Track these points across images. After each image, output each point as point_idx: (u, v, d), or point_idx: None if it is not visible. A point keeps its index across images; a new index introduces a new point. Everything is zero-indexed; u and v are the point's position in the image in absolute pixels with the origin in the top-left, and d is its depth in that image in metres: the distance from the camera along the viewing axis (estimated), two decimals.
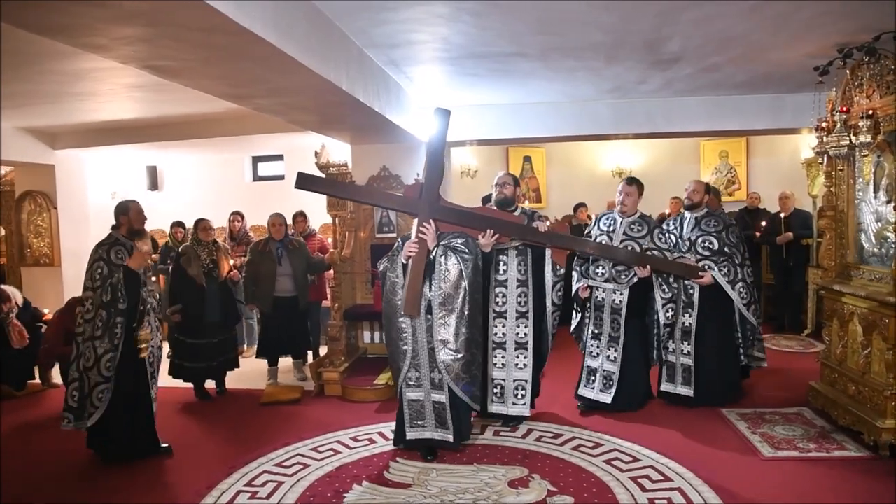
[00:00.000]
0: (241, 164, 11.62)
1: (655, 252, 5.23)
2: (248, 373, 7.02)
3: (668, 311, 5.29)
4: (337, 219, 6.90)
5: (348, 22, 4.44)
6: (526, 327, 5.04)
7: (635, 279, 5.20)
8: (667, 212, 10.05)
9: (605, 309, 5.37)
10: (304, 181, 4.43)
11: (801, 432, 4.89)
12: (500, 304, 5.07)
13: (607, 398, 5.37)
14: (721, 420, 5.21)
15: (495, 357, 5.10)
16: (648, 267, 5.13)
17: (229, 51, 3.45)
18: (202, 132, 8.42)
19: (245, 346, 7.97)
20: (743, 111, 7.43)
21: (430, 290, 4.39)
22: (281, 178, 11.40)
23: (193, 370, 6.27)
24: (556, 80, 6.35)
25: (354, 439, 5.03)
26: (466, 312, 4.36)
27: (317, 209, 9.02)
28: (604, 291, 5.35)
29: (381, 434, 5.11)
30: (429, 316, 4.42)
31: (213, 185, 11.44)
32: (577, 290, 5.40)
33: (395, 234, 6.94)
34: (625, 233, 5.33)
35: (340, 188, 4.60)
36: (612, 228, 5.41)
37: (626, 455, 4.57)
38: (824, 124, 4.96)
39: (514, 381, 5.08)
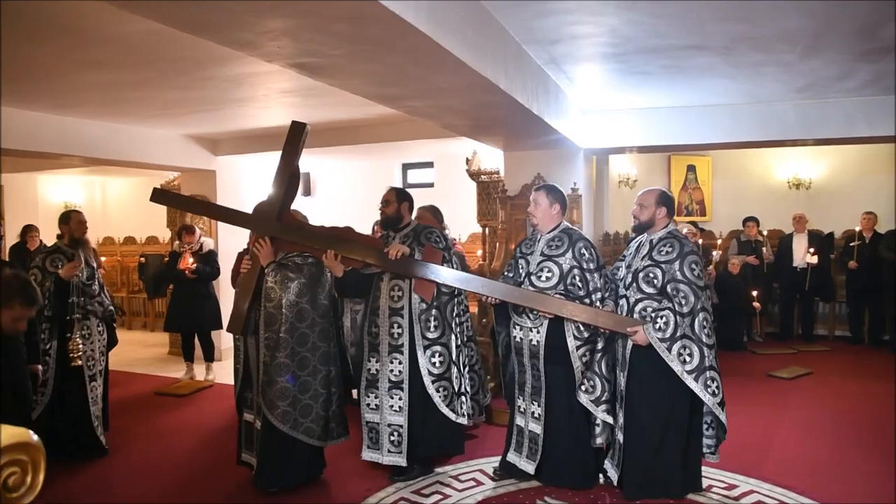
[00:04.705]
0: (392, 171, 11.61)
1: (577, 274, 4.04)
2: None
3: (584, 357, 4.04)
4: (487, 229, 6.56)
5: (508, 14, 4.06)
6: (400, 364, 4.34)
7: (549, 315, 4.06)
8: (857, 229, 8.86)
9: (523, 352, 4.21)
10: (158, 197, 4.47)
11: None
12: (374, 335, 4.41)
13: (531, 467, 4.25)
14: None
15: (368, 396, 4.44)
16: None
17: (379, 43, 3.16)
18: (353, 138, 8.41)
19: None
20: None
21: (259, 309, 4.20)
22: (430, 185, 11.27)
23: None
24: (736, 77, 5.62)
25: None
26: (281, 335, 4.08)
27: (467, 218, 8.77)
28: (520, 329, 4.20)
29: None
30: (258, 336, 4.21)
31: (364, 191, 11.47)
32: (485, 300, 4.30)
33: None
34: (542, 252, 4.21)
35: (192, 205, 4.67)
36: (530, 250, 4.29)
37: None
38: None
39: (389, 425, 4.39)
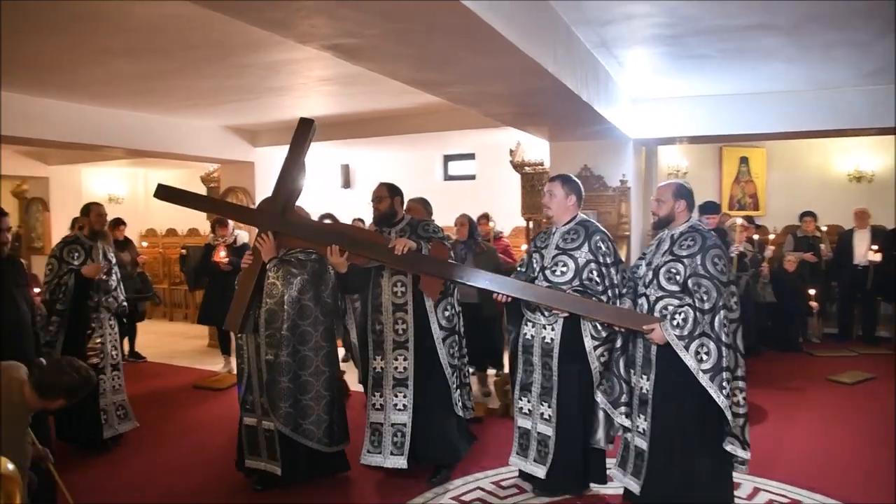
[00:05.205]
0: (433, 162, 11.43)
1: (593, 268, 3.82)
2: None
3: (602, 357, 3.82)
4: (531, 222, 6.31)
5: None
6: (405, 360, 4.22)
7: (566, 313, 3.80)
8: None
9: (534, 350, 3.97)
10: (163, 193, 4.40)
11: None
12: (378, 332, 4.28)
13: (541, 471, 3.98)
14: None
15: (374, 396, 4.32)
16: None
17: (418, 20, 2.93)
18: (393, 129, 8.23)
19: None
20: None
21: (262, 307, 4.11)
22: (472, 177, 11.06)
23: None
24: (802, 61, 5.25)
25: None
26: (283, 332, 4.00)
27: (510, 211, 8.52)
28: (532, 325, 3.98)
29: None
30: (257, 335, 4.12)
31: (404, 183, 11.14)
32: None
33: None
34: (557, 246, 3.96)
35: (197, 201, 4.57)
36: (545, 244, 4.05)
37: None
38: None
39: (392, 424, 4.25)
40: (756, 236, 8.12)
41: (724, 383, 3.43)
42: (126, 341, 8.14)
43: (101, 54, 4.94)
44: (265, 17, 2.87)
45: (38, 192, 11.42)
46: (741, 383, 3.56)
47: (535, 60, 3.70)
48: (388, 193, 4.41)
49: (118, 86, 6.01)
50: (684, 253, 3.56)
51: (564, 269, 3.86)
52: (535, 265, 4.02)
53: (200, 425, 5.71)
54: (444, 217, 9.32)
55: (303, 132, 4.17)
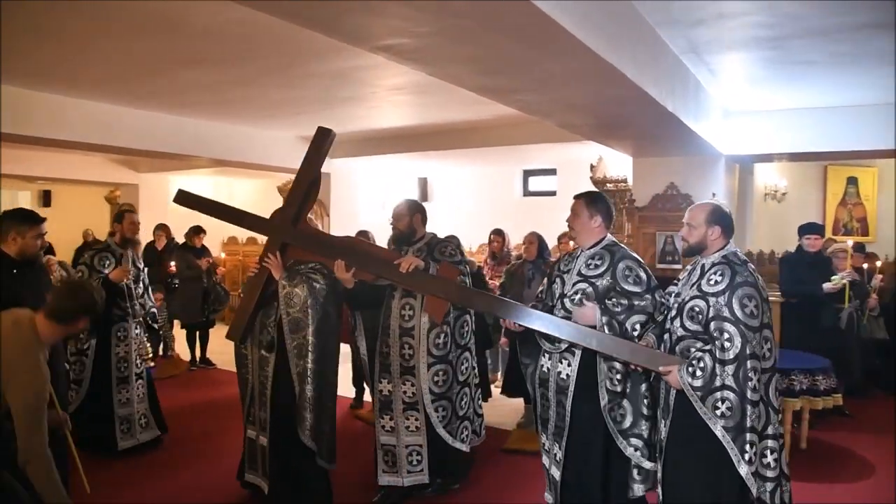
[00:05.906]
0: (512, 177, 11.17)
1: (615, 299, 3.36)
2: (499, 407, 6.29)
3: (616, 386, 3.35)
4: None
5: None
6: (413, 385, 4.17)
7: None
8: None
9: (549, 384, 3.58)
10: (182, 198, 4.32)
11: None
12: (384, 355, 4.23)
13: None
14: None
15: (382, 418, 4.25)
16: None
17: (475, 17, 2.64)
18: (470, 141, 8.03)
19: (500, 374, 7.33)
20: None
21: (278, 318, 3.95)
22: (552, 193, 10.68)
23: None
24: None
25: None
26: (310, 338, 3.86)
27: None
28: (549, 358, 3.60)
29: None
30: (263, 351, 4.01)
31: (483, 198, 11.14)
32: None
33: (679, 266, 5.75)
34: (579, 272, 3.51)
35: (214, 208, 4.40)
36: (568, 268, 3.61)
37: None
38: None
39: (407, 446, 4.23)
40: (865, 265, 7.37)
41: (747, 446, 2.94)
42: (198, 348, 8.24)
43: (172, 63, 4.95)
44: (305, 14, 2.65)
45: (129, 198, 11.84)
46: (771, 442, 3.01)
47: (611, 65, 3.35)
48: (407, 211, 4.28)
49: (189, 95, 6.04)
50: (710, 290, 3.07)
51: (584, 297, 3.45)
52: (555, 290, 3.62)
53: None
54: (522, 234, 9.05)
55: (320, 141, 4.02)
